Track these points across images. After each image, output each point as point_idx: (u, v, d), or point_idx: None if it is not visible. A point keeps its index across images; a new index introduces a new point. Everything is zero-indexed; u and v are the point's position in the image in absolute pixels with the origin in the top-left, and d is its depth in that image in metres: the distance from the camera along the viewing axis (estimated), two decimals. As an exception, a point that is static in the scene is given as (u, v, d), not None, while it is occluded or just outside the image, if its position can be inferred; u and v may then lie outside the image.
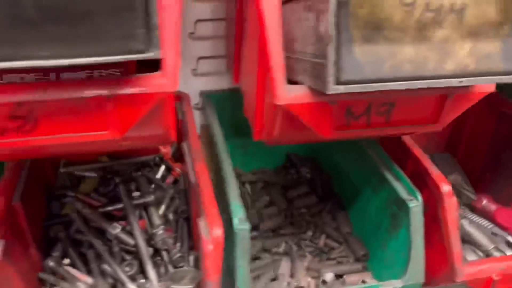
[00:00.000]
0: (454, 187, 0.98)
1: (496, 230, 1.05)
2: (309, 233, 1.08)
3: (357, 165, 1.05)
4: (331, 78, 0.56)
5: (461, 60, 0.59)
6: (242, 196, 1.12)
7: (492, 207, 1.07)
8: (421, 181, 0.89)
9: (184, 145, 0.96)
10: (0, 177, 0.85)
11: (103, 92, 0.57)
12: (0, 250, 0.73)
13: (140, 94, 0.59)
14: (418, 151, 0.95)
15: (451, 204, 0.83)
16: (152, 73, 0.60)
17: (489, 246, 0.98)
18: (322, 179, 1.19)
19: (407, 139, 0.98)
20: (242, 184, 1.21)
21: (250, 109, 0.81)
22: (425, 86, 0.59)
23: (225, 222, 0.74)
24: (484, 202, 1.07)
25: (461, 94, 0.70)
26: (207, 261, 0.72)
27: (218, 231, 0.71)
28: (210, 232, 0.71)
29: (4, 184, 0.83)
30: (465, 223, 1.02)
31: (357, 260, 1.00)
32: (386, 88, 0.58)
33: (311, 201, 1.15)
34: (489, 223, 1.06)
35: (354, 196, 1.08)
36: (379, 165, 0.93)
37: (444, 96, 0.70)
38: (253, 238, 1.04)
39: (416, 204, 0.83)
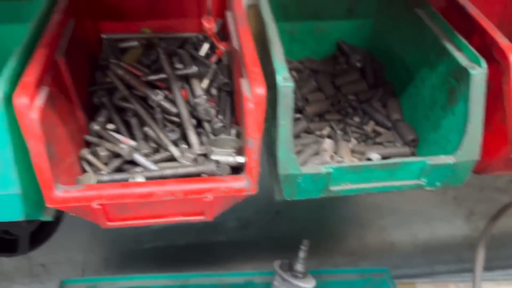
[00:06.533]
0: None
1: None
2: (356, 119, 1.02)
3: (414, 43, 0.97)
4: None
5: None
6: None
7: None
8: (488, 55, 0.78)
9: (228, 14, 0.94)
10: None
11: None
12: (44, 96, 0.69)
13: None
14: (485, 22, 0.84)
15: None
16: None
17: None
18: (373, 67, 1.11)
19: (473, 10, 0.88)
20: (289, 71, 1.09)
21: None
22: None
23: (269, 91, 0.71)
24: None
25: None
26: (248, 119, 0.70)
27: (261, 89, 0.69)
28: (252, 90, 0.70)
29: (47, 37, 0.79)
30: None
31: (406, 145, 0.94)
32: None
33: (360, 88, 1.07)
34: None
35: (407, 81, 1.02)
36: (439, 37, 0.85)
37: None
38: (296, 119, 0.99)
39: (478, 72, 0.74)
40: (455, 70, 0.80)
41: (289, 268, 1.22)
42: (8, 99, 0.67)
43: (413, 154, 0.93)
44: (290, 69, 1.15)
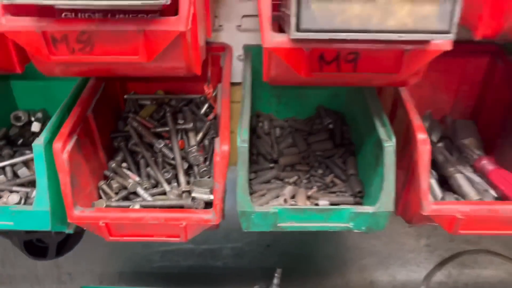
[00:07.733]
0: (464, 147, 1.18)
1: (487, 187, 1.08)
2: (320, 171, 1.24)
3: (361, 115, 1.20)
4: (292, 26, 0.73)
5: (401, 19, 0.72)
6: (270, 136, 1.34)
7: (489, 167, 1.11)
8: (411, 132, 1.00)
9: (219, 86, 1.21)
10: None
11: (135, 28, 0.79)
12: (73, 142, 0.99)
13: (161, 30, 0.79)
14: (410, 105, 1.05)
15: (424, 150, 0.95)
16: (170, 17, 0.80)
17: (475, 197, 1.04)
18: (341, 129, 1.35)
19: (404, 94, 1.10)
20: (273, 127, 1.39)
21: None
22: (370, 38, 0.73)
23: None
24: (483, 162, 1.12)
25: (417, 50, 0.80)
26: (216, 168, 0.96)
27: (225, 147, 0.96)
28: (220, 147, 0.95)
29: (81, 99, 1.10)
30: (459, 176, 1.09)
31: (353, 195, 1.14)
32: (336, 37, 0.73)
33: (327, 147, 1.30)
34: (482, 181, 1.10)
35: (360, 144, 1.25)
36: (372, 114, 1.08)
37: (401, 51, 0.81)
38: (270, 168, 1.25)
39: (389, 144, 0.96)
40: (378, 141, 1.02)
41: (265, 294, 1.43)
42: (49, 144, 0.96)
43: (358, 203, 1.14)
44: (275, 127, 1.39)
